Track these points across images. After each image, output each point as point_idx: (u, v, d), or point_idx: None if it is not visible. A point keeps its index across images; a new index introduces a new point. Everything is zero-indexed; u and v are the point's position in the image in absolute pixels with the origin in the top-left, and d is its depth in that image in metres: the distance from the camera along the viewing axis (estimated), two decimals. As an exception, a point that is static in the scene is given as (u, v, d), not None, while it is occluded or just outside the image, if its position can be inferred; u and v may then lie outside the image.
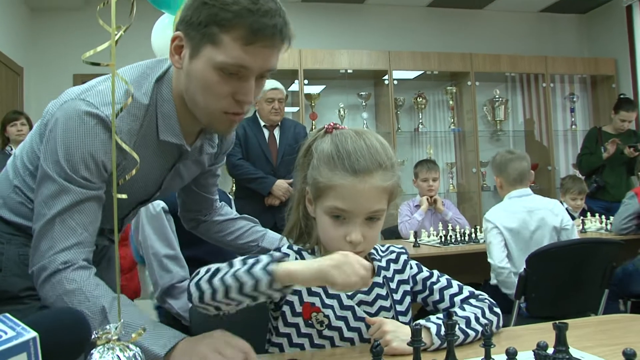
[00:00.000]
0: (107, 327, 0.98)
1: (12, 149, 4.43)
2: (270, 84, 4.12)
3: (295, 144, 4.19)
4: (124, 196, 1.02)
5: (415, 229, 3.82)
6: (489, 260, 2.89)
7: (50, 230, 1.21)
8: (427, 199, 4.05)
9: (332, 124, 1.27)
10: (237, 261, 1.08)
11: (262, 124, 4.17)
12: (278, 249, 1.30)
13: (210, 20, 1.15)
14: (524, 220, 2.90)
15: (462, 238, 3.58)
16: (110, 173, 1.27)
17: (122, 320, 0.98)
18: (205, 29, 1.16)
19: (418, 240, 3.58)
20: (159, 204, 2.14)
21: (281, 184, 4.02)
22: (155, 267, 2.14)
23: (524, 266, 2.63)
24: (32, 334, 0.80)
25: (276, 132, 4.20)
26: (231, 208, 2.44)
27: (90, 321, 1.12)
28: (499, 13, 6.85)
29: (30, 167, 1.39)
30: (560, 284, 2.67)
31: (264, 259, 1.05)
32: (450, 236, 3.57)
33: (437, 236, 3.70)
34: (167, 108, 1.32)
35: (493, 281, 2.91)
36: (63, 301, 1.17)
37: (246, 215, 1.87)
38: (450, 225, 3.83)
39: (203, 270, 1.10)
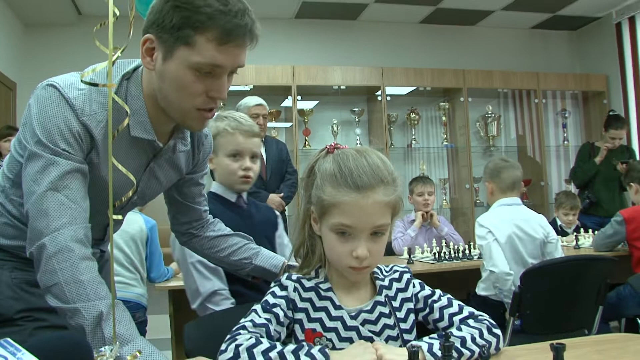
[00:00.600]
0: (103, 349, 0.97)
1: None
2: (254, 100, 4.16)
3: (279, 159, 4.24)
4: (120, 217, 1.02)
5: (409, 245, 3.82)
6: (490, 268, 2.82)
7: (44, 208, 1.20)
8: (423, 214, 4.06)
9: (333, 144, 1.30)
10: (287, 352, 1.12)
11: None
12: (278, 281, 1.31)
13: (183, 23, 1.20)
14: (514, 228, 2.91)
15: (456, 255, 3.57)
16: (89, 151, 1.30)
17: (117, 343, 0.97)
18: (179, 32, 1.20)
19: (412, 256, 3.57)
20: None
21: (274, 198, 4.05)
22: (195, 276, 2.14)
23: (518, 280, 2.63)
24: (33, 359, 0.79)
25: (262, 149, 4.23)
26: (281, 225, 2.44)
27: (84, 323, 1.11)
28: (491, 30, 6.91)
29: (11, 176, 1.41)
30: (554, 300, 2.67)
31: (315, 352, 1.11)
32: (445, 253, 3.57)
33: (431, 253, 3.69)
34: (136, 105, 1.35)
35: (482, 292, 2.90)
36: (62, 290, 1.14)
37: (240, 232, 1.86)
38: (444, 241, 3.83)
39: (231, 351, 1.12)
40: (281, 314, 1.24)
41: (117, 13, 0.95)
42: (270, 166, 4.21)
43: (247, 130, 2.10)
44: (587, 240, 4.16)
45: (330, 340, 1.22)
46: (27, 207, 1.23)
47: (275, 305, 1.25)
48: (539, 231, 2.94)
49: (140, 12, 2.84)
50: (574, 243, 3.99)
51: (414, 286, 1.36)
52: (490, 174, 3.11)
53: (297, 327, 1.25)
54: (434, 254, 3.59)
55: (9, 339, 0.86)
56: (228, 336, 1.17)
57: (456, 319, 1.30)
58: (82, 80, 1.22)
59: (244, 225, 2.03)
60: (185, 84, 1.25)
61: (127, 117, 0.99)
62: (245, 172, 2.12)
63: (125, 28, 1.04)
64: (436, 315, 1.32)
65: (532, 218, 2.99)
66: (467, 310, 1.32)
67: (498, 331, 1.27)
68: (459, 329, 1.25)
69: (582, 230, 4.43)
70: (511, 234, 2.89)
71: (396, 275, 1.36)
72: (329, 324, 1.24)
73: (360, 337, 1.23)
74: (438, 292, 1.36)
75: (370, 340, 1.22)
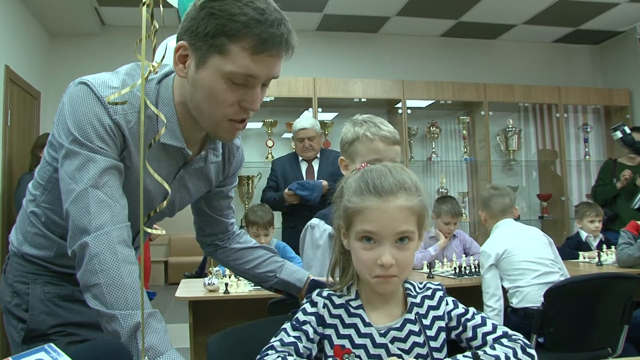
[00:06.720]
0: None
1: None
2: (299, 123, 4.43)
3: (333, 172, 4.35)
4: (160, 232, 1.03)
5: (428, 260, 3.81)
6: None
7: (85, 205, 1.18)
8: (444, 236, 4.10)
9: (364, 165, 1.30)
10: None
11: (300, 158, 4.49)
12: (309, 297, 1.31)
13: (218, 31, 1.17)
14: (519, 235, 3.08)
15: (477, 270, 3.54)
16: (122, 150, 1.29)
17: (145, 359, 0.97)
18: (213, 39, 1.18)
19: (432, 271, 3.55)
20: None
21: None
22: None
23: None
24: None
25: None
26: None
27: (120, 331, 1.09)
28: (512, 43, 6.88)
29: (42, 182, 1.42)
30: (578, 318, 2.64)
31: None
32: (465, 267, 3.54)
33: (451, 267, 3.66)
34: (166, 111, 1.33)
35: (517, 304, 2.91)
36: (102, 292, 1.12)
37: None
38: (465, 255, 3.82)
39: None
40: (311, 330, 1.23)
41: (157, 27, 0.95)
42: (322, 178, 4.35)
43: (388, 137, 1.96)
44: (609, 256, 4.10)
45: (359, 357, 1.21)
46: (66, 207, 1.21)
47: (305, 322, 1.24)
48: (540, 234, 3.12)
49: (181, 13, 2.86)
50: (597, 260, 3.94)
51: (447, 304, 1.34)
52: (482, 203, 3.33)
53: (326, 342, 1.24)
54: (454, 268, 3.56)
55: (52, 344, 0.87)
56: (258, 357, 1.17)
57: (490, 338, 1.27)
58: (109, 102, 1.22)
59: None
60: (217, 93, 1.23)
61: (163, 127, 0.99)
62: None
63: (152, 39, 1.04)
64: (469, 333, 1.30)
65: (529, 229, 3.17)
66: (501, 329, 1.29)
67: (532, 351, 1.24)
68: (493, 348, 1.23)
69: (604, 246, 4.36)
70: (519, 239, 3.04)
71: (429, 292, 1.35)
72: (358, 340, 1.23)
73: (389, 354, 1.22)
74: (472, 310, 1.34)
75: (400, 358, 1.21)
